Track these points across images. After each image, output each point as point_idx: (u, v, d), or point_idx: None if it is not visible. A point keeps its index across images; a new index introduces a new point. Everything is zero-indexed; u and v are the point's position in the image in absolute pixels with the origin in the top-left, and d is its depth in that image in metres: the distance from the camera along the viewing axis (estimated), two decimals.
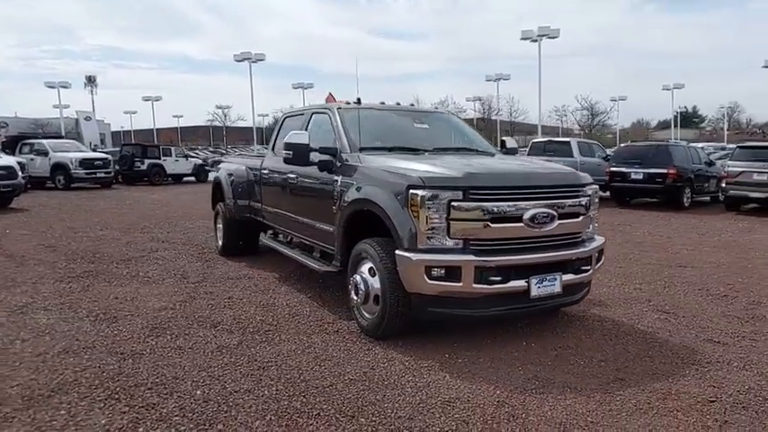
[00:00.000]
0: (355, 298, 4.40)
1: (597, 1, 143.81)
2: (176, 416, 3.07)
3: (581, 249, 4.23)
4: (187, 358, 3.93)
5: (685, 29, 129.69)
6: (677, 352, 4.09)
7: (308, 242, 5.67)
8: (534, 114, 48.59)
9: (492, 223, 3.85)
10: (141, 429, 2.92)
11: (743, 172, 13.16)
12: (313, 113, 5.80)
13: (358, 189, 4.45)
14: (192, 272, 6.72)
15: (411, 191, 3.88)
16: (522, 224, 3.92)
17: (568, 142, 16.92)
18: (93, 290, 5.85)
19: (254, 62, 37.34)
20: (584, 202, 4.28)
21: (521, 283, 3.89)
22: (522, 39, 28.29)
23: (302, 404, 3.23)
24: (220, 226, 8.01)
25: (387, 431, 2.93)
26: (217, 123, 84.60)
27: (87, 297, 5.56)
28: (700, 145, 21.49)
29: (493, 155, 5.38)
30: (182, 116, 78.48)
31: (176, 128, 79.88)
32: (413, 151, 5.00)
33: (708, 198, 15.69)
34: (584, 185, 4.35)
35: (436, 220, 3.81)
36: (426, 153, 4.97)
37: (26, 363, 3.83)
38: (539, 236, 4.00)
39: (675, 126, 62.30)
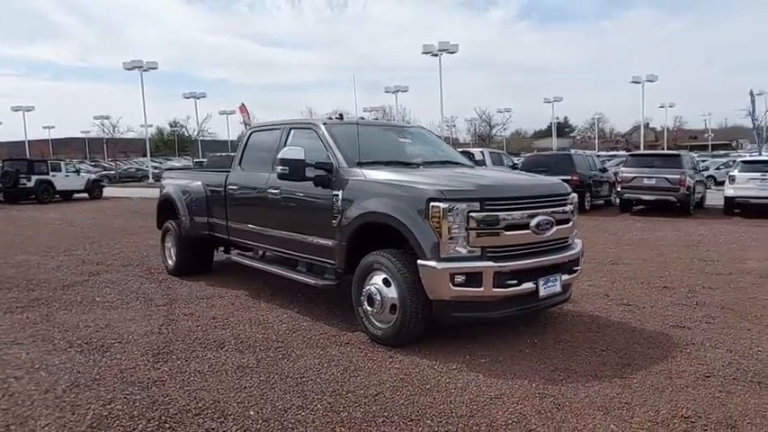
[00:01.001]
0: (369, 308, 4.52)
1: (475, 17, 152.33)
2: None
3: (572, 252, 4.69)
4: (214, 381, 3.84)
5: (553, 45, 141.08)
6: (656, 338, 4.66)
7: (292, 256, 5.66)
8: (424, 124, 50.65)
9: (505, 231, 4.18)
10: None
11: (635, 177, 14.79)
12: (291, 128, 5.82)
13: (366, 203, 4.59)
14: (154, 294, 6.42)
15: (432, 203, 4.11)
16: (529, 231, 4.28)
17: (482, 152, 17.94)
18: (55, 319, 5.42)
19: (145, 71, 35.25)
20: (570, 209, 4.75)
21: (530, 285, 4.25)
22: (423, 53, 29.55)
23: (363, 413, 3.32)
24: (169, 245, 7.70)
25: (458, 430, 3.11)
26: (93, 135, 78.78)
27: (55, 327, 5.15)
28: (592, 153, 23.72)
29: (473, 167, 5.74)
30: (53, 127, 71.85)
31: (47, 140, 73.09)
32: (406, 165, 5.23)
33: (602, 201, 17.37)
34: (569, 194, 4.82)
35: (456, 231, 4.06)
36: (420, 167, 5.22)
37: (39, 401, 3.55)
38: (542, 241, 4.40)
39: (551, 135, 67.70)
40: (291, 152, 5.01)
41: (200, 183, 7.24)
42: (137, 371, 4.04)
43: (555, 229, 4.47)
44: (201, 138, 66.13)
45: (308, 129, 5.61)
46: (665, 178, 14.35)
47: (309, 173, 5.04)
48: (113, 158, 56.55)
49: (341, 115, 5.74)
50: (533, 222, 4.29)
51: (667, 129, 69.39)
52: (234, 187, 6.40)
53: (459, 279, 4.05)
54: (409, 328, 4.30)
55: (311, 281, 5.27)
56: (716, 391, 3.57)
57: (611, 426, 3.15)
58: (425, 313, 4.27)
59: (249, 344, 4.61)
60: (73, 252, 9.51)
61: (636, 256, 8.53)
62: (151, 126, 74.41)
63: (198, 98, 49.23)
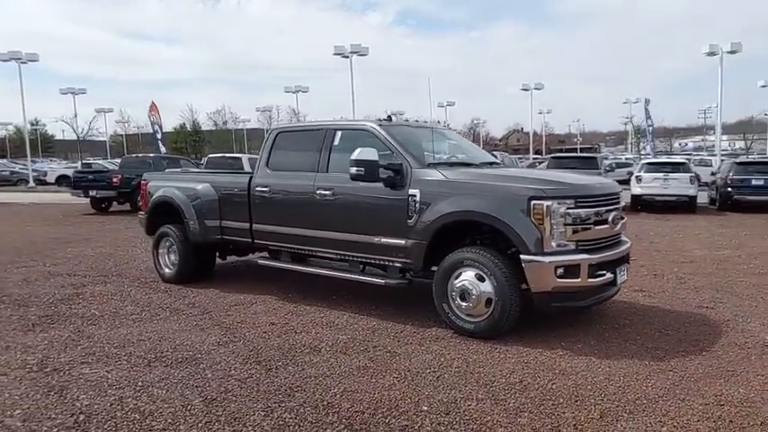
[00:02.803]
0: (462, 303, 4.70)
1: (353, 19, 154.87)
2: None
3: (628, 244, 5.22)
4: (351, 382, 3.84)
5: (429, 51, 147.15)
6: (694, 318, 5.32)
7: (344, 258, 5.66)
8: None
9: (595, 225, 4.59)
10: None
11: None
12: (337, 130, 5.80)
13: (454, 202, 4.77)
14: (173, 303, 6.06)
15: (534, 202, 4.41)
16: (608, 225, 4.73)
17: None
18: (93, 335, 4.97)
19: (23, 63, 31.44)
20: (622, 206, 5.28)
21: (611, 274, 4.70)
22: (334, 54, 29.64)
23: (528, 399, 3.53)
24: (164, 251, 7.26)
25: (622, 408, 3.43)
26: None
27: (103, 343, 4.74)
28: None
29: (509, 167, 6.12)
30: None
31: None
32: (468, 165, 5.48)
33: None
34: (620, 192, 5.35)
35: (557, 227, 4.40)
36: (482, 167, 5.49)
37: (188, 420, 3.33)
38: (614, 234, 4.87)
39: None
40: (366, 153, 5.05)
41: (207, 185, 6.91)
42: (259, 380, 3.90)
43: (621, 223, 4.97)
44: (85, 138, 60.75)
45: (361, 130, 5.64)
46: None
47: (381, 174, 5.11)
48: None
49: (389, 116, 5.82)
50: (610, 217, 4.75)
51: (534, 133, 75.39)
52: (263, 189, 6.22)
53: (561, 271, 4.39)
54: (506, 320, 4.56)
55: (380, 281, 5.33)
56: None
57: (740, 389, 3.65)
58: (519, 305, 4.56)
59: (342, 347, 4.58)
60: (26, 264, 8.51)
61: None
62: (10, 124, 66.98)
63: (77, 94, 44.93)
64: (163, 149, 24.78)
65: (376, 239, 5.29)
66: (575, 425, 3.19)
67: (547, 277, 4.38)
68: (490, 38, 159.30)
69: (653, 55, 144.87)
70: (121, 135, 76.14)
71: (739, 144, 66.98)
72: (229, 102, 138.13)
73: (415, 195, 4.99)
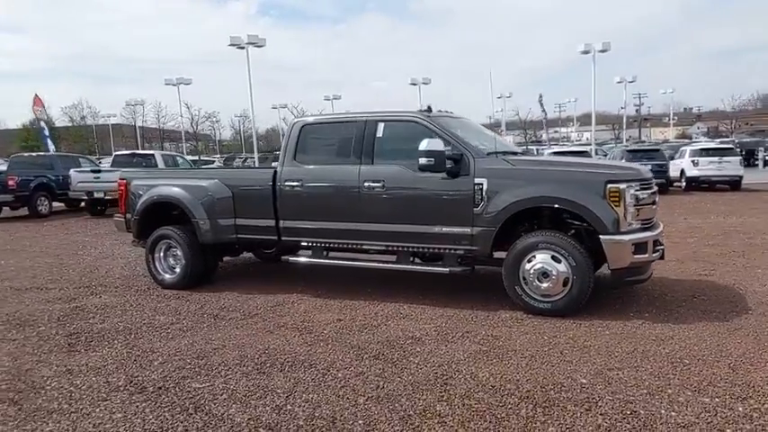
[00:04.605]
0: (541, 284, 4.95)
1: (216, 8, 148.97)
2: (606, 406, 3.38)
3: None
4: (486, 365, 3.93)
5: (297, 43, 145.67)
6: (721, 285, 6.04)
7: (398, 249, 5.65)
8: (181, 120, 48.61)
9: (651, 206, 5.08)
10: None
11: None
12: (379, 121, 5.74)
13: (527, 189, 5.00)
14: (208, 310, 5.65)
15: (610, 185, 4.78)
16: (655, 206, 5.25)
17: None
18: (148, 348, 4.54)
19: None
20: None
21: (661, 249, 5.22)
22: (230, 44, 28.27)
23: (658, 367, 3.88)
24: (160, 255, 6.71)
25: (739, 364, 3.91)
26: None
27: (174, 355, 4.35)
28: None
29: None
30: None
31: None
32: (513, 154, 5.74)
33: None
34: None
35: (631, 207, 4.82)
36: (523, 155, 5.77)
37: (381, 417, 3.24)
38: (654, 215, 5.41)
39: None
40: (434, 144, 5.10)
41: (216, 181, 6.48)
42: (396, 374, 3.85)
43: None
44: None
45: (408, 122, 5.65)
46: None
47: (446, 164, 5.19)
48: None
49: (429, 108, 5.87)
50: (656, 198, 5.27)
51: None
52: (294, 183, 5.98)
53: (635, 248, 4.81)
54: (584, 297, 4.90)
55: (444, 269, 5.41)
56: None
57: None
58: (594, 283, 4.93)
59: (438, 335, 4.63)
60: None
61: None
62: None
63: None
64: (52, 147, 22.13)
65: (436, 229, 5.36)
66: (721, 379, 3.59)
67: (625, 254, 4.78)
68: (356, 31, 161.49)
69: (514, 52, 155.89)
70: None
71: (586, 135, 74.44)
72: (87, 96, 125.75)
73: (481, 184, 5.14)
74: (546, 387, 3.55)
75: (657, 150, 19.54)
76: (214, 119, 78.19)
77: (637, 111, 71.55)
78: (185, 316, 5.45)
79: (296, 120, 6.35)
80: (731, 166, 18.29)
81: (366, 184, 5.59)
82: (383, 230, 5.61)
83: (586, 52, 30.17)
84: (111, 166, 16.48)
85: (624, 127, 52.77)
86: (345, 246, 5.95)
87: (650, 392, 3.44)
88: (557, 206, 4.94)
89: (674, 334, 4.49)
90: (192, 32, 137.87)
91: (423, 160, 5.08)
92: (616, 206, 4.79)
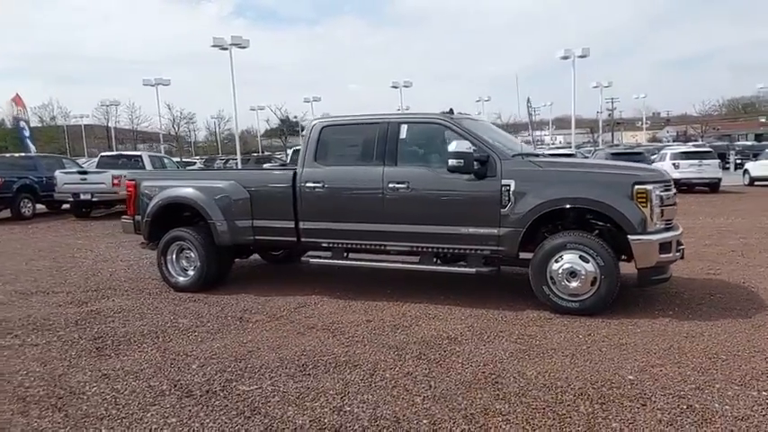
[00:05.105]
0: (571, 284, 5.02)
1: (190, 9, 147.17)
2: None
3: None
4: (531, 363, 3.97)
5: (274, 44, 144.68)
6: (730, 284, 6.21)
7: (422, 250, 5.66)
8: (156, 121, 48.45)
9: (672, 207, 5.20)
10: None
11: None
12: (402, 123, 5.75)
13: (555, 190, 5.07)
14: (230, 313, 5.58)
15: (637, 186, 4.89)
16: (675, 206, 5.38)
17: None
18: (181, 351, 4.48)
19: None
20: None
21: (681, 250, 5.35)
22: (212, 45, 27.92)
23: (699, 362, 3.98)
24: (172, 257, 6.61)
25: (756, 367, 4.04)
26: None
27: (211, 358, 4.30)
28: None
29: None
30: None
31: None
32: (537, 156, 5.81)
33: None
34: None
35: (657, 208, 4.93)
36: (544, 156, 5.86)
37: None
38: (675, 215, 5.54)
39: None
40: (462, 146, 5.13)
41: (233, 182, 6.41)
42: (444, 374, 3.86)
43: None
44: None
45: (433, 124, 5.68)
46: None
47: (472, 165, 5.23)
48: None
49: (451, 110, 5.90)
50: (676, 199, 5.40)
51: None
52: (315, 185, 5.95)
53: (660, 248, 4.92)
54: (612, 296, 4.99)
55: (470, 270, 5.44)
56: None
57: None
58: (620, 282, 5.03)
59: (472, 334, 4.66)
60: None
61: None
62: None
63: None
64: (33, 148, 21.51)
65: (463, 230, 5.39)
66: (762, 373, 3.69)
67: (652, 254, 4.89)
68: (334, 33, 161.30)
69: (487, 56, 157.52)
70: None
71: (559, 138, 75.56)
72: (57, 96, 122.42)
73: (509, 185, 5.20)
74: (596, 384, 3.61)
75: (640, 153, 19.97)
76: (190, 120, 77.22)
77: (609, 115, 73.00)
78: (208, 319, 5.37)
79: (315, 121, 6.31)
80: (711, 169, 18.82)
81: (390, 185, 5.60)
82: (407, 231, 5.62)
83: (566, 57, 30.71)
84: (97, 167, 16.16)
85: (600, 130, 53.80)
86: (367, 247, 5.95)
87: (698, 387, 3.53)
88: (585, 207, 5.02)
89: (703, 331, 4.60)
90: (166, 34, 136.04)
91: (453, 162, 5.11)
92: (643, 207, 4.89)
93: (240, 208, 6.30)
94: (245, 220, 6.31)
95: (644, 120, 73.02)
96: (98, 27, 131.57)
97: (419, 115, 5.83)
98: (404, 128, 5.75)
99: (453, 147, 5.13)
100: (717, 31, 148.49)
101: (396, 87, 40.76)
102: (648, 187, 4.90)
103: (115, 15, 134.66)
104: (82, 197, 14.63)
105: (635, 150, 22.30)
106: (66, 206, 15.74)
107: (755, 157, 24.66)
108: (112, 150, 35.80)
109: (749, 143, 41.98)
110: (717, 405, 3.28)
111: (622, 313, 5.07)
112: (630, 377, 3.71)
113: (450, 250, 5.55)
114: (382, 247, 5.87)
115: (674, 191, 5.37)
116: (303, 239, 6.13)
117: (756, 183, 21.62)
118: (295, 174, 6.09)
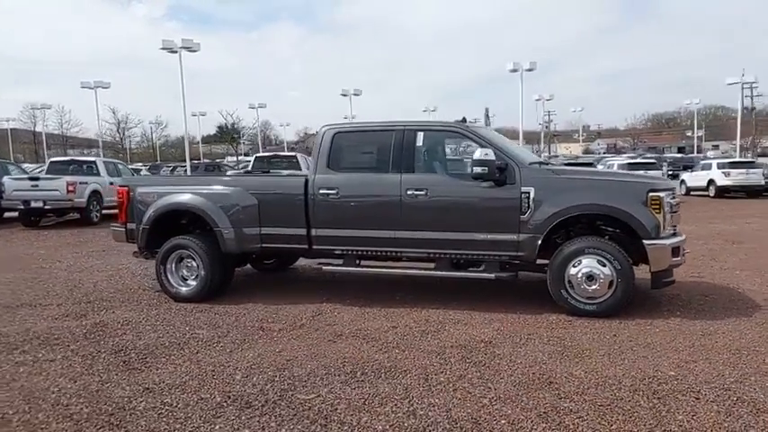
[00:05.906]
0: (589, 288, 5.23)
1: (120, 11, 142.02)
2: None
3: None
4: (574, 363, 4.12)
5: (208, 50, 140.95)
6: (727, 286, 6.62)
7: (440, 256, 5.75)
8: (87, 126, 46.27)
9: (678, 213, 5.54)
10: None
11: None
12: (417, 130, 5.83)
13: (574, 197, 5.29)
14: (246, 322, 5.47)
15: (652, 193, 5.18)
16: (679, 213, 5.73)
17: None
18: (213, 362, 4.36)
19: None
20: None
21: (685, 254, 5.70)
22: (161, 48, 26.97)
23: (733, 353, 4.26)
24: (171, 266, 6.38)
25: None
26: None
27: (247, 369, 4.21)
28: None
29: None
30: None
31: None
32: (547, 164, 6.04)
33: None
34: None
35: (668, 214, 5.25)
36: (557, 164, 6.08)
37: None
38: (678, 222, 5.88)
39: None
40: (486, 154, 5.27)
41: (239, 189, 6.28)
42: (493, 376, 3.95)
43: None
44: None
45: (449, 131, 5.81)
46: None
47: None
48: None
49: (464, 118, 6.03)
50: (680, 207, 5.76)
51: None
52: (330, 192, 5.92)
53: (672, 252, 5.24)
54: (627, 298, 5.25)
55: (490, 275, 5.56)
56: None
57: None
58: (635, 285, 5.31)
59: (505, 338, 4.78)
60: None
61: None
62: None
63: None
64: None
65: (481, 236, 5.52)
66: None
67: (666, 257, 5.19)
68: (269, 40, 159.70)
69: (420, 68, 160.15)
70: None
71: None
72: None
73: (528, 192, 5.37)
74: (644, 380, 3.80)
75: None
76: (125, 125, 74.20)
77: (546, 127, 75.98)
78: (227, 329, 5.22)
79: (327, 127, 6.27)
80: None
81: (408, 192, 5.66)
82: (424, 238, 5.70)
83: (515, 71, 31.83)
84: (47, 173, 15.31)
85: (542, 142, 55.89)
86: (382, 254, 5.97)
87: (738, 380, 3.78)
88: (603, 213, 5.27)
89: (716, 329, 4.92)
90: (95, 35, 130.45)
91: (477, 169, 5.24)
92: (657, 213, 5.19)
93: (248, 215, 6.18)
94: (253, 227, 6.19)
95: (580, 132, 76.53)
96: (14, 27, 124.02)
97: (436, 123, 5.96)
98: (420, 135, 5.83)
99: (477, 155, 5.26)
100: (642, 51, 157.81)
101: (345, 95, 40.85)
102: (662, 194, 5.21)
103: (39, 15, 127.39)
104: (33, 205, 13.81)
105: (589, 161, 23.48)
106: (11, 214, 14.81)
107: (688, 169, 26.51)
108: (39, 157, 33.55)
109: (678, 155, 44.90)
110: (762, 396, 3.53)
111: (636, 315, 5.33)
112: (672, 373, 3.93)
113: (468, 256, 5.67)
114: (397, 254, 5.91)
115: (678, 199, 5.73)
116: (315, 247, 6.08)
117: (692, 192, 23.15)
118: (307, 181, 6.05)
